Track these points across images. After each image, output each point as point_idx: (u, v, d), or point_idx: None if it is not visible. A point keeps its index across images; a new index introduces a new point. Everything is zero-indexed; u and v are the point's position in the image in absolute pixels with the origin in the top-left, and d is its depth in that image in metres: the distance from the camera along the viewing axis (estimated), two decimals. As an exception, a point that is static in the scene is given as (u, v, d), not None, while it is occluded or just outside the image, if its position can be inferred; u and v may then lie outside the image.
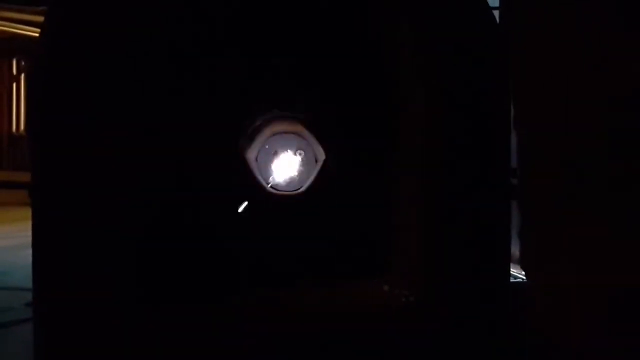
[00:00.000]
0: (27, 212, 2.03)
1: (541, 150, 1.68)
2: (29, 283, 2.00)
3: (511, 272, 2.10)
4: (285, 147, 2.48)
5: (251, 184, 2.27)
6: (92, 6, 1.78)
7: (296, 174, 2.47)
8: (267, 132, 2.40)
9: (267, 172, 2.45)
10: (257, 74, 2.19)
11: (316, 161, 2.45)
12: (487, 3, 1.97)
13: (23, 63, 11.97)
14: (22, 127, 12.46)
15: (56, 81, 1.75)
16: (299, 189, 2.42)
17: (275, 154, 2.47)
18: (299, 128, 2.39)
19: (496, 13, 2.09)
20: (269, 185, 2.40)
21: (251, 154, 2.36)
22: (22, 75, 12.03)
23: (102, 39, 1.77)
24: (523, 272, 1.99)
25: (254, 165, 2.35)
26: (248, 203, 2.22)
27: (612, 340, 1.48)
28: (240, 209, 2.22)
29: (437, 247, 1.93)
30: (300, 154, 2.49)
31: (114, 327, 1.72)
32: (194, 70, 2.14)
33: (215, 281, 2.07)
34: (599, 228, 1.49)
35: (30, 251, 1.90)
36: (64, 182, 1.77)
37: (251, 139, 2.31)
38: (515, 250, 1.96)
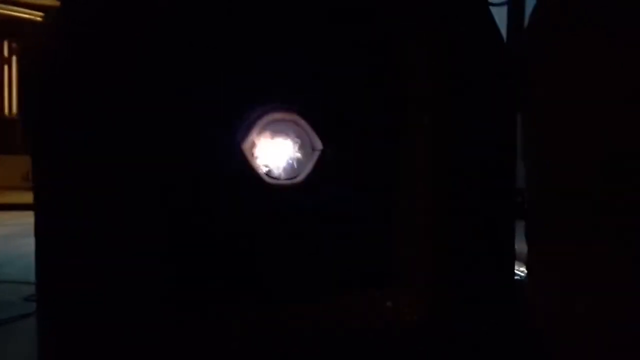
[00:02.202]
0: (21, 197, 2.01)
1: (549, 168, 1.69)
2: (26, 275, 1.96)
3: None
4: (280, 135, 2.39)
5: (247, 174, 2.25)
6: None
7: (292, 160, 2.40)
8: (263, 121, 2.35)
9: (263, 160, 2.37)
10: (255, 66, 2.17)
11: (313, 150, 2.39)
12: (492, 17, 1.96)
13: (14, 45, 11.89)
14: (14, 109, 12.37)
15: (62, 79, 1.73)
16: (295, 177, 2.37)
17: (271, 141, 2.38)
18: (295, 117, 2.34)
19: (503, 10, 2.10)
20: (265, 174, 2.37)
21: (247, 144, 2.30)
22: (14, 58, 11.94)
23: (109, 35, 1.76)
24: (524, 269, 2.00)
25: (249, 155, 2.31)
26: (243, 194, 2.21)
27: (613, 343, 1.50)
28: (236, 201, 2.20)
29: (442, 260, 1.92)
30: (296, 142, 2.48)
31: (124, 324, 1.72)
32: (191, 63, 2.12)
33: (205, 285, 2.02)
34: (606, 243, 1.50)
35: (26, 240, 1.86)
36: (65, 170, 1.75)
37: (248, 129, 2.28)
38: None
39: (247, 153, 2.27)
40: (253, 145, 2.40)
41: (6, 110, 12.43)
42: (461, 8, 1.95)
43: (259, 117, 2.32)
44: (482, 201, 1.91)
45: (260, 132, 2.42)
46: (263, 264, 2.12)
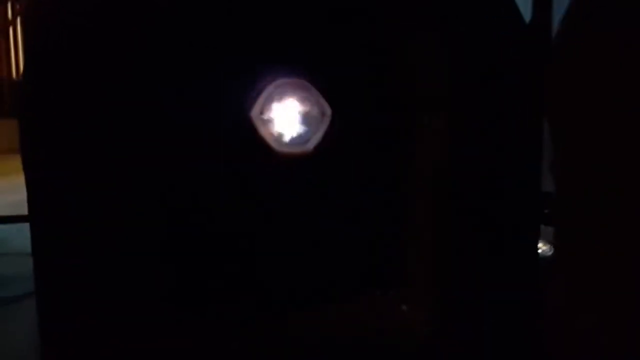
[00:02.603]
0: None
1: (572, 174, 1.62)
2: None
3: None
4: (288, 98, 2.32)
5: (256, 143, 2.18)
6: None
7: (302, 124, 2.33)
8: (270, 87, 2.28)
9: (272, 125, 2.31)
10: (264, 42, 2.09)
11: (323, 116, 2.31)
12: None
13: (18, 7, 11.73)
14: (21, 72, 12.32)
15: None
16: (306, 142, 2.30)
17: (279, 104, 2.31)
18: (303, 82, 2.27)
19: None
20: (274, 139, 2.27)
21: (255, 111, 2.26)
22: (18, 19, 11.81)
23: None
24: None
25: (258, 122, 2.24)
26: (252, 164, 2.13)
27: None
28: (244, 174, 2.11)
29: (444, 261, 1.87)
30: (305, 105, 2.34)
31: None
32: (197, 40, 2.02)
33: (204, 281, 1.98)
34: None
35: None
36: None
37: (256, 96, 2.22)
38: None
39: (255, 121, 2.18)
40: (262, 111, 2.33)
41: (14, 73, 12.36)
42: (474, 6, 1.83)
43: (268, 83, 2.24)
44: (485, 201, 1.85)
45: (269, 98, 2.35)
46: (264, 260, 2.07)
